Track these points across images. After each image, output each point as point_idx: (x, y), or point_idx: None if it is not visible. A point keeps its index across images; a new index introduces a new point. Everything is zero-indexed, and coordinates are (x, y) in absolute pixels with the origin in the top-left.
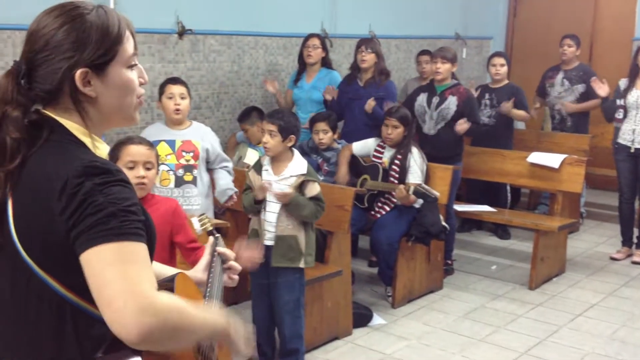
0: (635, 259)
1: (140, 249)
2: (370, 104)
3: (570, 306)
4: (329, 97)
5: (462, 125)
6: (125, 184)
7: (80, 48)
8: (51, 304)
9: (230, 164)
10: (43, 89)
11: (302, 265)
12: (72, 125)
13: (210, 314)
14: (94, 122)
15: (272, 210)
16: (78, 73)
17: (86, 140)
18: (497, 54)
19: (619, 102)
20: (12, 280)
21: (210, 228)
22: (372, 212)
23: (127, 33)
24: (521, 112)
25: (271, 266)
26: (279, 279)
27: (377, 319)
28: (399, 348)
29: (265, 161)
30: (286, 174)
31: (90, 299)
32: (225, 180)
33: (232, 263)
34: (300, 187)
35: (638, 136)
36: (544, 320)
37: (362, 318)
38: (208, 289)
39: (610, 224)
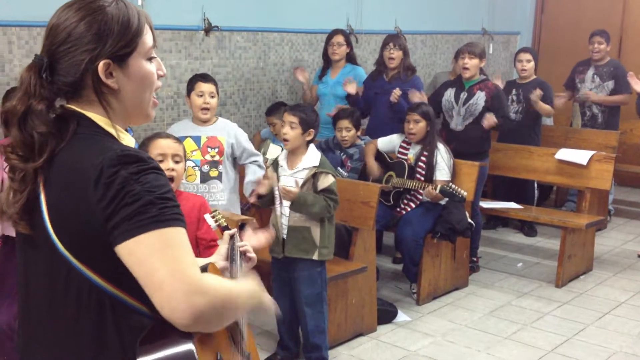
0: None
1: (180, 233)
2: (396, 93)
3: (597, 304)
4: (352, 91)
5: (490, 120)
6: (159, 172)
7: (102, 40)
8: (90, 296)
9: (260, 158)
10: (66, 82)
11: (315, 257)
12: (98, 117)
13: (245, 287)
14: (117, 115)
15: (286, 204)
16: (101, 64)
17: (112, 131)
18: (523, 50)
19: None
20: (50, 277)
21: (225, 224)
22: (398, 209)
23: (147, 26)
24: (547, 106)
25: (287, 257)
26: (299, 272)
27: (401, 316)
28: (423, 345)
29: (281, 157)
30: (299, 167)
31: (127, 290)
32: (252, 176)
33: (251, 255)
34: (313, 179)
35: None
36: (571, 319)
37: (386, 314)
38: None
39: (639, 221)
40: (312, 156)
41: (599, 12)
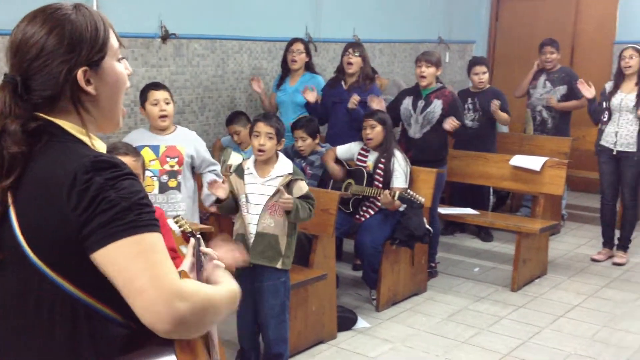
0: (616, 260)
1: (158, 239)
2: (354, 99)
3: (552, 307)
4: (311, 99)
5: (451, 123)
6: (134, 177)
7: (77, 48)
8: (64, 307)
9: (217, 167)
10: (43, 96)
11: (279, 266)
12: (70, 125)
13: (225, 290)
14: (92, 122)
15: (254, 212)
16: (79, 73)
17: (85, 138)
18: (478, 63)
19: (605, 104)
20: (22, 291)
21: (189, 229)
22: (357, 216)
23: (110, 27)
24: (505, 115)
25: (255, 267)
26: (264, 282)
27: (361, 322)
28: (383, 351)
29: (248, 165)
30: (272, 175)
31: (102, 299)
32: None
33: (217, 262)
34: (288, 187)
35: (620, 139)
36: (526, 322)
37: (346, 321)
38: None
39: (591, 225)
40: (284, 164)
41: (552, 21)
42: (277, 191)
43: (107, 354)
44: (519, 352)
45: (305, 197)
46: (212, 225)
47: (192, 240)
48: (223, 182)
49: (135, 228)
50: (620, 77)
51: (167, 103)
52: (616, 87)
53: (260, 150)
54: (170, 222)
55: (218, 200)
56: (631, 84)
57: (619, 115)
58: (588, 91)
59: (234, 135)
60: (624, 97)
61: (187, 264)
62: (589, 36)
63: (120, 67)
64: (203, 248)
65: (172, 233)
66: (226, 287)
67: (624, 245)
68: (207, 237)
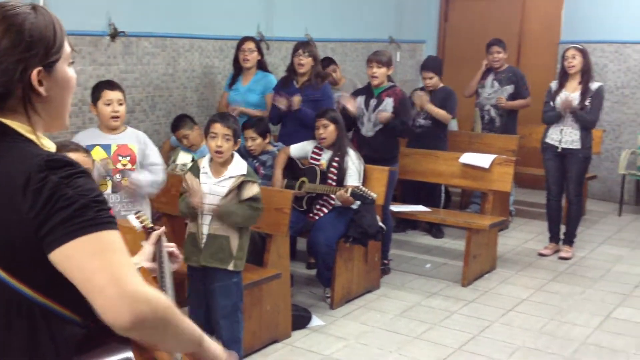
0: (562, 254)
1: (117, 237)
2: (295, 100)
3: (501, 302)
4: (282, 107)
5: (383, 114)
6: (88, 175)
7: (34, 48)
8: (20, 308)
9: (156, 167)
10: None
11: (231, 267)
12: (18, 125)
13: (191, 323)
14: (41, 122)
15: (207, 213)
16: (34, 73)
17: (33, 137)
18: (424, 68)
19: (552, 103)
20: None
21: (150, 225)
22: (311, 214)
23: (64, 31)
24: (441, 111)
25: (206, 268)
26: (216, 283)
27: (315, 321)
28: (337, 349)
29: (204, 164)
30: (226, 176)
31: (58, 300)
32: (142, 175)
33: (176, 251)
34: (239, 188)
35: (565, 136)
36: (476, 316)
37: (301, 320)
38: (162, 280)
39: (538, 221)
40: (239, 165)
41: (499, 21)
42: (230, 192)
43: (66, 353)
44: (470, 346)
45: (252, 200)
46: (164, 224)
47: (155, 234)
48: (191, 186)
49: (94, 226)
50: (564, 77)
51: (121, 104)
52: (561, 87)
53: (218, 152)
54: (131, 218)
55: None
56: (575, 83)
57: (564, 114)
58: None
59: (183, 139)
60: (568, 96)
61: (146, 252)
62: (535, 36)
63: (71, 71)
64: (166, 244)
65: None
66: (194, 326)
67: (569, 240)
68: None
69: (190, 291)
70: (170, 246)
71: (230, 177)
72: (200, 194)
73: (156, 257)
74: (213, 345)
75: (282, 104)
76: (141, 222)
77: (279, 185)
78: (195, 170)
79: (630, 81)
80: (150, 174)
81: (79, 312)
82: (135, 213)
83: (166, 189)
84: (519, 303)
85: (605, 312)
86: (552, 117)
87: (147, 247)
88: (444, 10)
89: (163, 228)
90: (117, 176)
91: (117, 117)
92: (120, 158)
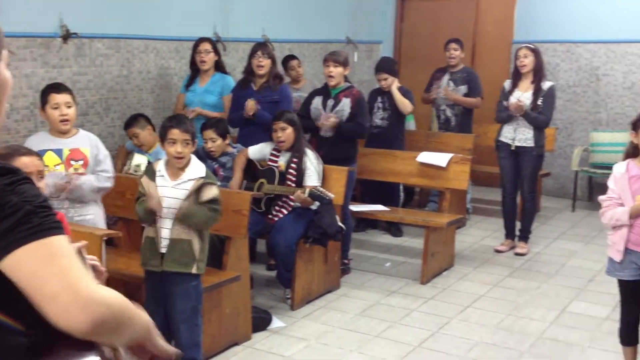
0: (518, 250)
1: (65, 242)
2: (249, 104)
3: (459, 298)
4: (249, 112)
5: (328, 120)
6: (31, 182)
7: None
8: None
9: (104, 174)
10: None
11: (194, 271)
12: None
13: (138, 310)
14: None
15: (165, 216)
16: None
17: None
18: (378, 70)
19: (505, 103)
20: None
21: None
22: (270, 216)
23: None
24: (406, 100)
25: (165, 272)
26: (175, 287)
27: (276, 322)
28: (298, 349)
29: (160, 166)
30: (184, 178)
31: (2, 309)
32: (85, 178)
33: (100, 269)
34: (198, 191)
35: (518, 134)
36: (435, 313)
37: (261, 322)
38: None
39: (495, 218)
40: (197, 167)
41: (454, 22)
42: (189, 195)
43: None
44: (429, 343)
45: (212, 202)
46: (120, 229)
47: (79, 244)
48: (150, 193)
49: (42, 231)
50: (517, 76)
51: (69, 106)
52: (514, 86)
53: (178, 158)
54: None
55: (151, 211)
56: (527, 83)
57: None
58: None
59: (133, 138)
60: (520, 96)
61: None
62: (489, 36)
63: (7, 72)
64: (85, 256)
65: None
66: (143, 313)
67: (524, 236)
68: (114, 242)
69: (147, 296)
70: (91, 259)
71: (189, 180)
72: (157, 198)
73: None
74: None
75: (251, 108)
76: None
77: (237, 188)
78: (150, 173)
79: (582, 80)
80: (96, 180)
81: (23, 322)
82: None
83: (121, 192)
84: (477, 299)
85: (561, 307)
86: (504, 117)
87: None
88: (399, 11)
89: (83, 243)
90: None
91: (66, 120)
92: (72, 162)
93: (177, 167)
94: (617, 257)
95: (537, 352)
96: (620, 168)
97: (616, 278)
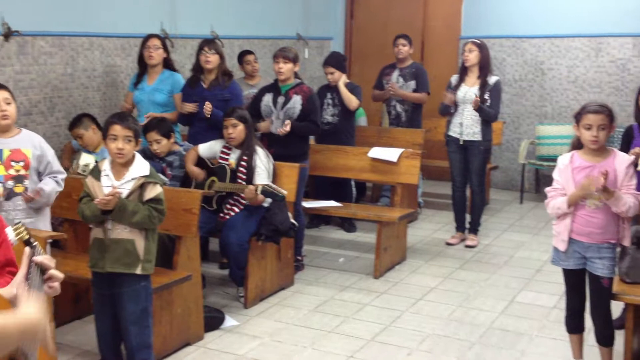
0: (468, 242)
1: None
2: (206, 107)
3: (411, 291)
4: (190, 111)
5: (285, 128)
6: None
7: None
8: None
9: (60, 176)
10: None
11: (139, 271)
12: None
13: (16, 319)
14: None
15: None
16: None
17: None
18: (325, 64)
19: (450, 96)
20: None
21: (27, 237)
22: (221, 214)
23: None
24: (352, 96)
25: (112, 273)
26: (123, 288)
27: (229, 321)
28: (251, 348)
29: (105, 166)
30: (128, 177)
31: None
32: (47, 186)
33: (53, 272)
34: (140, 189)
35: (466, 129)
36: (388, 307)
37: (214, 321)
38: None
39: (446, 211)
40: (141, 166)
41: (403, 18)
42: (131, 193)
43: None
44: (382, 336)
45: (154, 202)
46: (67, 231)
47: (27, 249)
48: (109, 194)
49: None
50: (464, 71)
51: (8, 103)
52: (461, 81)
53: (119, 154)
54: (9, 231)
55: (105, 212)
56: (473, 77)
57: (464, 107)
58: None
59: (78, 139)
60: (467, 90)
61: (18, 278)
62: (437, 32)
63: None
64: (37, 257)
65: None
66: (21, 317)
67: (474, 229)
68: (60, 244)
69: (95, 298)
70: (48, 264)
71: (133, 179)
72: (111, 200)
73: (27, 275)
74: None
75: (190, 109)
76: (17, 235)
77: (199, 177)
78: (95, 173)
79: (528, 74)
80: (56, 184)
81: None
82: (14, 225)
83: (67, 193)
84: (428, 292)
85: (510, 297)
86: (443, 108)
87: (21, 269)
88: (349, 7)
89: (32, 246)
90: (10, 182)
91: (6, 116)
92: (13, 164)
93: (119, 164)
94: (562, 247)
95: (487, 342)
96: (564, 159)
97: (561, 267)
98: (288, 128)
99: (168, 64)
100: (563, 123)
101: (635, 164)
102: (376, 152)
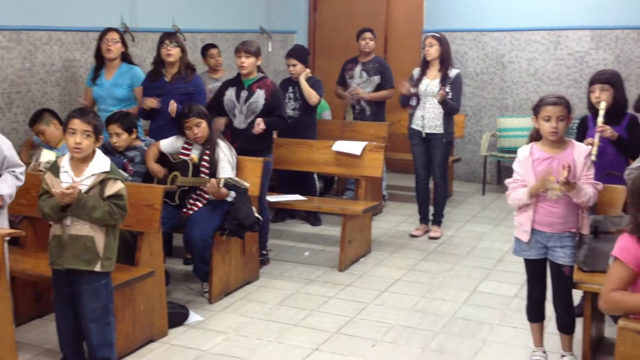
0: (432, 234)
1: None
2: (172, 106)
3: (376, 283)
4: (152, 106)
5: (259, 126)
6: None
7: None
8: None
9: (20, 169)
10: None
11: (98, 268)
12: None
13: None
14: None
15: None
16: None
17: None
18: (288, 55)
19: (413, 90)
20: None
21: None
22: (184, 209)
23: None
24: (312, 91)
25: (72, 271)
26: (83, 286)
27: (194, 317)
28: (216, 343)
29: (64, 162)
30: (87, 173)
31: None
32: (6, 189)
33: None
34: (101, 186)
35: (428, 122)
36: (353, 299)
37: (178, 317)
38: None
39: (410, 204)
40: (101, 161)
41: (366, 12)
42: (90, 189)
43: None
44: (347, 328)
45: (114, 198)
46: (26, 228)
47: None
48: (68, 188)
49: None
50: (425, 64)
51: None
52: (422, 74)
53: (76, 149)
54: None
55: (64, 208)
56: (435, 71)
57: (425, 100)
58: (404, 87)
59: (40, 135)
60: (429, 83)
61: None
62: (400, 26)
63: None
64: None
65: None
66: None
67: (437, 221)
68: (19, 242)
69: (55, 297)
70: None
71: (92, 175)
72: (60, 194)
73: None
74: None
75: (152, 104)
76: None
77: (159, 175)
78: (55, 169)
79: (489, 67)
80: (15, 179)
81: None
82: None
83: (26, 190)
84: (393, 283)
85: (472, 287)
86: (404, 100)
87: None
88: (312, 1)
89: None
90: None
91: None
92: None
93: (79, 160)
94: (524, 238)
95: (450, 332)
96: (524, 151)
97: (523, 257)
98: (263, 125)
99: (126, 58)
100: (523, 115)
101: (589, 153)
102: (340, 146)
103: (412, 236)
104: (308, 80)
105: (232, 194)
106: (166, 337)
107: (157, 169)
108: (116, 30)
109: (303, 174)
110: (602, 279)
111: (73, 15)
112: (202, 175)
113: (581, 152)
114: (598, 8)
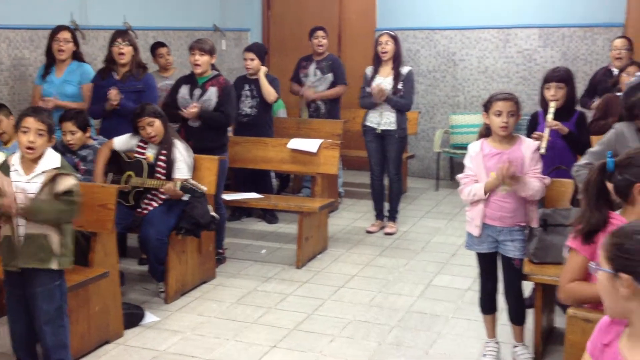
0: (387, 230)
1: None
2: (112, 98)
3: (333, 280)
4: (114, 103)
5: (190, 110)
6: None
7: None
8: None
9: None
10: None
11: (54, 266)
12: None
13: None
14: None
15: (20, 214)
16: None
17: None
18: (246, 49)
19: (368, 89)
20: None
21: None
22: (139, 209)
23: None
24: (271, 89)
25: (25, 272)
26: (37, 288)
27: (149, 317)
28: (173, 343)
29: (14, 161)
30: (38, 171)
31: None
32: None
33: None
34: (52, 182)
35: (383, 119)
36: (310, 296)
37: (133, 318)
38: None
39: (366, 200)
40: (51, 158)
41: (320, 10)
42: (43, 187)
43: None
44: (305, 325)
45: (68, 194)
46: None
47: None
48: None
49: None
50: (378, 62)
51: None
52: (375, 72)
53: (29, 148)
54: None
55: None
56: (388, 68)
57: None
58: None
59: None
60: (382, 81)
61: None
62: (353, 24)
63: None
64: None
65: None
66: None
67: (393, 216)
68: None
69: (8, 299)
70: None
71: (43, 172)
72: (12, 195)
73: None
74: None
75: (115, 98)
76: None
77: (100, 181)
78: (5, 168)
79: (441, 65)
80: None
81: None
82: None
83: None
84: (350, 279)
85: (427, 281)
86: (368, 103)
87: None
88: None
89: None
90: None
91: None
92: None
93: (29, 159)
94: (476, 232)
95: (406, 325)
96: (475, 147)
97: (475, 251)
98: (195, 110)
99: (77, 56)
100: (474, 112)
101: (538, 148)
102: (296, 143)
103: (368, 232)
104: (266, 77)
105: (188, 194)
106: (122, 338)
107: (100, 175)
108: (68, 28)
109: (259, 172)
110: (552, 271)
111: (22, 12)
112: (158, 175)
113: (529, 147)
114: (546, 6)
